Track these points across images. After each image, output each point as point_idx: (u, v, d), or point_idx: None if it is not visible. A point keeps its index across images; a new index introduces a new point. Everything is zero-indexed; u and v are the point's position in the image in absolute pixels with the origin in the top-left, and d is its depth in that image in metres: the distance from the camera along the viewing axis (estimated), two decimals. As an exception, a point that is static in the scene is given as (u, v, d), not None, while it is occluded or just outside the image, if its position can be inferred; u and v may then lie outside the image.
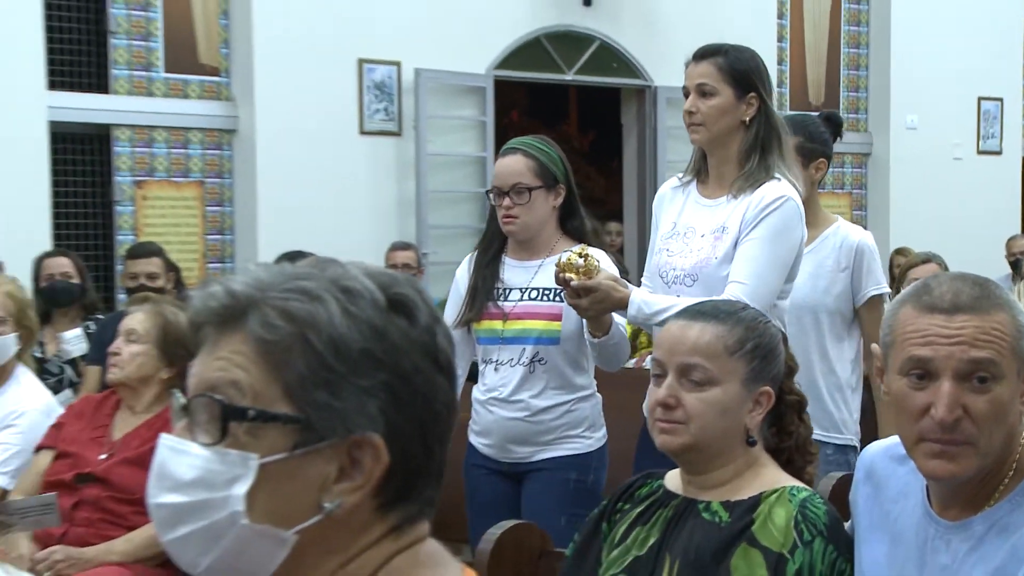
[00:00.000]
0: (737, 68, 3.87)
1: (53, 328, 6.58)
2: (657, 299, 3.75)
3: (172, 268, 7.27)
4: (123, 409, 4.51)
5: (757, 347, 2.62)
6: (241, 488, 1.31)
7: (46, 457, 4.48)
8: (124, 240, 8.90)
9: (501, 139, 10.81)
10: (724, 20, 11.29)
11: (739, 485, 2.61)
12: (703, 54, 3.94)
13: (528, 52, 10.97)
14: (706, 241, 3.85)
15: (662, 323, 3.66)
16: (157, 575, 4.21)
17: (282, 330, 1.31)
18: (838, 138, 4.72)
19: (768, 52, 12.10)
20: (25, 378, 4.91)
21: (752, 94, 3.86)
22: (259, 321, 1.32)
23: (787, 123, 4.42)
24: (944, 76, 12.79)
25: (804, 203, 4.27)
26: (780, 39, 12.41)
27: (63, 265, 6.83)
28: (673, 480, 2.71)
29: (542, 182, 4.11)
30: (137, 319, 4.49)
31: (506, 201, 4.13)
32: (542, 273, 4.15)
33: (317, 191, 9.44)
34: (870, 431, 4.36)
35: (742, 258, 3.75)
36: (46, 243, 7.83)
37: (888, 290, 4.53)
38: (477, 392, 4.32)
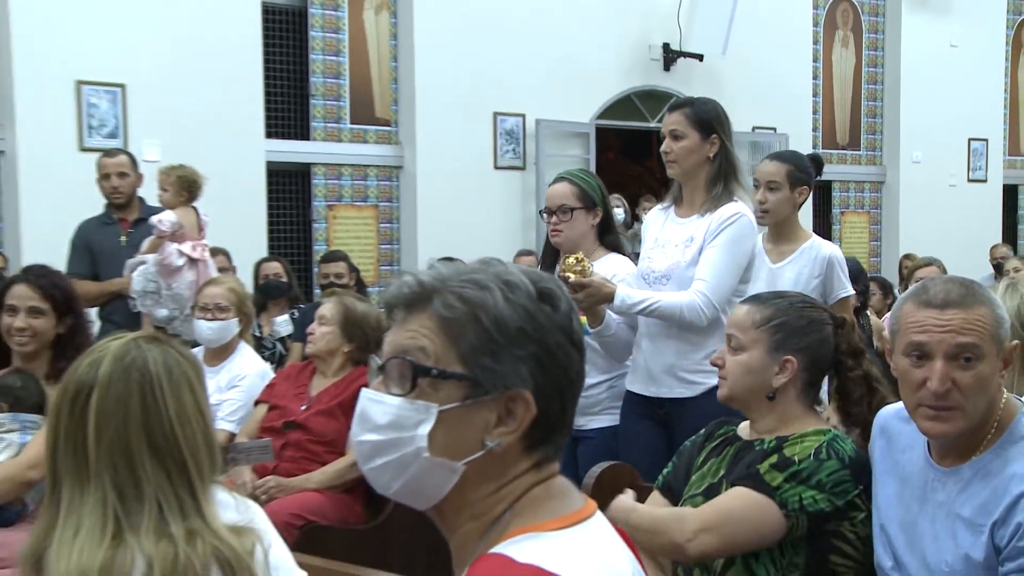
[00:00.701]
0: (701, 116, 3.85)
1: (268, 315, 6.69)
2: (637, 293, 3.74)
3: (354, 270, 7.35)
4: (318, 373, 4.57)
5: (782, 324, 2.58)
6: (424, 429, 1.34)
7: (262, 409, 4.55)
8: (319, 249, 9.03)
9: (600, 173, 10.79)
10: (771, 78, 11.19)
11: (790, 430, 2.57)
12: (674, 106, 3.93)
13: (621, 106, 10.94)
14: (678, 249, 3.83)
15: (640, 312, 3.72)
16: (342, 499, 4.26)
17: (458, 310, 1.34)
18: (819, 174, 4.63)
19: (805, 102, 11.99)
20: (246, 351, 4.99)
21: (714, 135, 3.83)
22: (441, 303, 1.34)
23: (782, 155, 4.55)
24: (942, 121, 12.61)
25: (785, 221, 4.39)
26: (815, 94, 12.24)
27: (275, 268, 6.94)
28: (743, 428, 2.69)
29: (582, 204, 4.01)
30: (327, 307, 4.55)
31: (553, 219, 4.02)
32: None
33: (463, 212, 9.50)
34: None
35: (705, 261, 3.74)
36: (263, 251, 7.97)
37: (852, 292, 4.44)
38: None
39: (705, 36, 10.86)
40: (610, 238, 4.11)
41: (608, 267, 3.94)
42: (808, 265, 4.32)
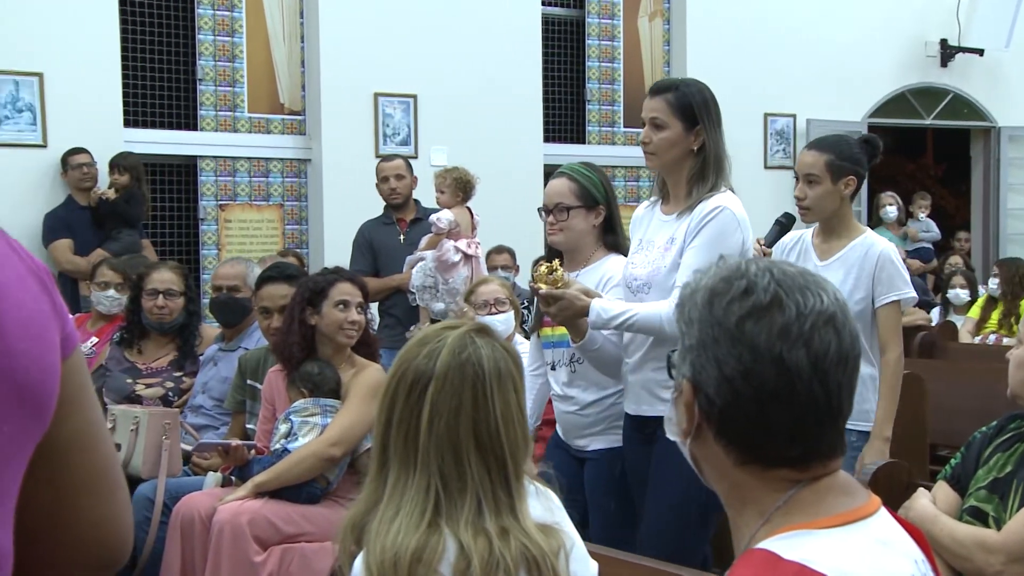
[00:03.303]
0: (685, 103, 3.29)
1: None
2: (613, 306, 3.23)
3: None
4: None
5: None
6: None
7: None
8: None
9: (872, 171, 10.37)
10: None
11: None
12: (656, 90, 3.37)
13: (895, 103, 10.53)
14: (659, 252, 3.33)
15: (618, 326, 3.21)
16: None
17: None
18: (874, 158, 3.89)
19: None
20: (523, 343, 5.09)
21: (699, 126, 3.29)
22: None
23: (822, 142, 3.85)
24: None
25: (833, 215, 3.77)
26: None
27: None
28: None
29: (582, 203, 3.53)
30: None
31: (550, 218, 3.58)
32: (580, 282, 3.51)
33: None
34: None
35: (684, 264, 3.22)
36: (541, 250, 8.11)
37: (910, 295, 3.72)
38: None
39: (987, 30, 10.32)
40: (612, 239, 3.62)
41: (606, 270, 3.53)
42: (857, 263, 3.72)
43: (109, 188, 7.01)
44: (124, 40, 7.48)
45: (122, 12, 7.46)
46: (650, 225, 3.43)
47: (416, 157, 7.90)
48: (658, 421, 3.22)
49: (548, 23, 9.15)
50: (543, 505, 2.02)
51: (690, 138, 3.29)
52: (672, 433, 1.40)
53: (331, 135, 8.05)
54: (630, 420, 3.39)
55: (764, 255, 3.68)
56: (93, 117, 7.15)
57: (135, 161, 7.12)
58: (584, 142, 9.39)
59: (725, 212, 3.23)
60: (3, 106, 6.96)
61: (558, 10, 9.32)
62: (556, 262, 3.33)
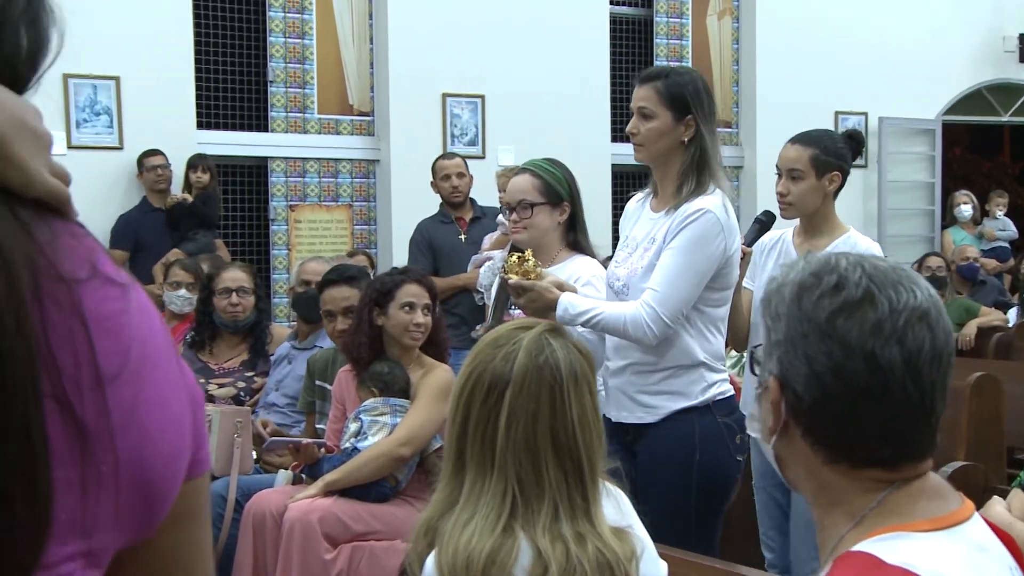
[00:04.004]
0: (675, 92, 3.10)
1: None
2: (581, 302, 3.08)
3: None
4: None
5: None
6: None
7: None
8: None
9: (947, 170, 10.21)
10: None
11: None
12: (645, 78, 3.19)
13: (970, 100, 10.31)
14: (639, 252, 3.16)
15: (584, 324, 3.06)
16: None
17: None
18: (858, 155, 3.75)
19: None
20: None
21: (689, 116, 3.10)
22: None
23: (805, 137, 3.67)
24: None
25: (815, 213, 3.57)
26: None
27: None
28: None
29: (545, 199, 3.40)
30: None
31: (513, 215, 3.45)
32: None
33: (802, 210, 9.26)
34: None
35: (659, 267, 3.05)
36: (608, 249, 8.06)
37: None
38: None
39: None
40: (574, 237, 3.47)
41: (573, 271, 3.37)
42: None
43: (188, 189, 7.10)
44: (197, 43, 7.58)
45: (195, 16, 7.57)
46: (638, 222, 3.27)
47: (484, 157, 7.91)
48: (640, 428, 3.14)
49: (616, 22, 9.11)
50: (614, 506, 2.00)
51: (680, 128, 3.11)
52: (754, 430, 1.38)
53: (399, 136, 8.09)
54: (610, 427, 3.11)
55: (743, 255, 3.52)
56: (167, 120, 7.26)
57: (212, 162, 7.22)
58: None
59: (708, 215, 3.04)
60: (81, 109, 7.10)
61: (626, 9, 9.28)
62: (529, 252, 3.19)
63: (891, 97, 9.70)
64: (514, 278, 3.11)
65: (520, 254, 3.17)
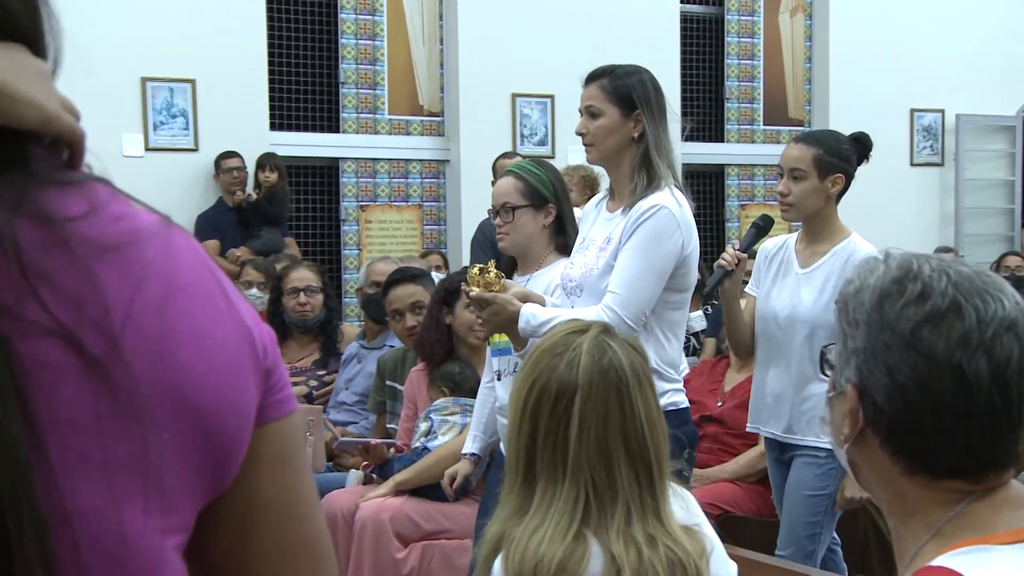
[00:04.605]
0: (620, 89, 3.05)
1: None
2: (543, 312, 2.94)
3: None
4: (731, 368, 4.55)
5: None
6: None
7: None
8: (732, 247, 8.96)
9: (1027, 167, 9.94)
10: None
11: None
12: (590, 77, 3.16)
13: (1051, 96, 10.06)
14: (593, 253, 3.07)
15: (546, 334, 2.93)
16: (757, 490, 4.22)
17: None
18: (864, 158, 3.58)
19: None
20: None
21: (637, 112, 3.04)
22: None
23: (810, 136, 3.57)
24: None
25: (816, 216, 3.48)
26: None
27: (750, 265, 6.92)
28: None
29: (529, 202, 3.28)
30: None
31: (497, 220, 3.34)
32: (531, 287, 3.23)
33: (876, 208, 9.09)
34: None
35: (617, 268, 2.95)
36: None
37: None
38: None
39: None
40: (563, 240, 3.33)
41: (557, 275, 3.23)
42: (838, 271, 3.40)
43: (256, 188, 7.19)
44: (270, 46, 7.66)
45: (268, 19, 7.65)
46: (595, 223, 3.17)
47: (553, 157, 7.88)
48: None
49: (686, 20, 9.03)
50: (682, 506, 1.98)
51: (629, 124, 3.05)
52: (826, 434, 1.34)
53: (469, 136, 8.10)
54: None
55: (739, 261, 3.46)
56: (241, 121, 7.34)
57: (280, 161, 7.30)
58: (723, 140, 9.25)
59: (662, 211, 2.94)
60: (158, 112, 7.21)
61: (697, 7, 9.20)
62: (491, 263, 3.09)
63: (969, 93, 9.48)
64: (475, 291, 3.02)
65: (482, 265, 3.08)
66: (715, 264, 3.55)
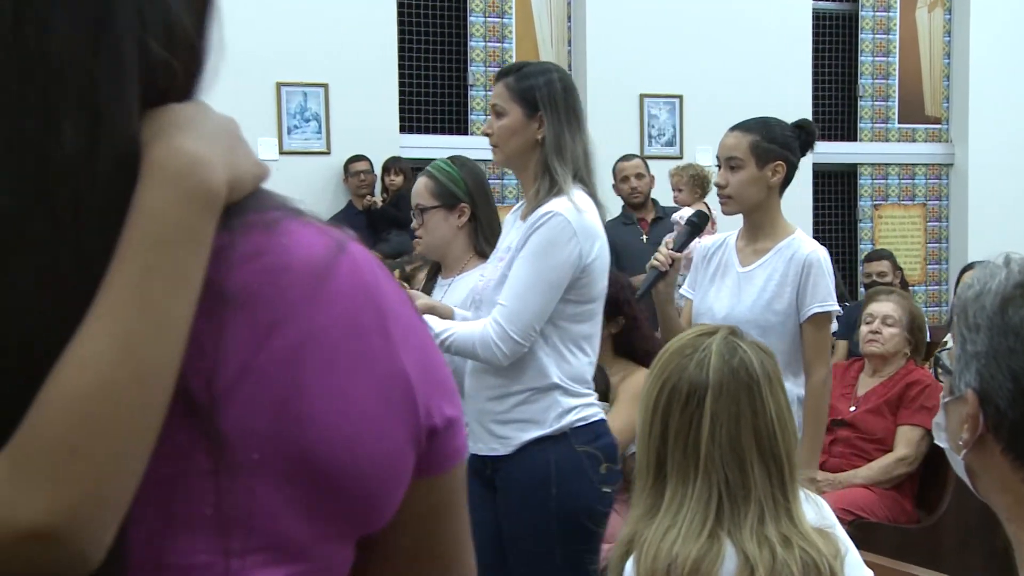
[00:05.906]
0: (524, 88, 2.80)
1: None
2: (437, 324, 2.72)
3: (898, 269, 7.11)
4: (864, 372, 4.45)
5: None
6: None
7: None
8: (864, 248, 8.74)
9: None
10: None
11: None
12: (499, 75, 2.93)
13: None
14: (492, 263, 2.88)
15: (440, 348, 2.52)
16: (891, 496, 4.14)
17: None
18: (808, 146, 3.34)
19: None
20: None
21: (540, 112, 2.79)
22: None
23: (747, 123, 3.33)
24: None
25: (756, 208, 3.21)
26: None
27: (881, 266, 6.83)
28: None
29: (440, 202, 3.09)
30: (890, 308, 4.41)
31: (415, 222, 3.19)
32: (451, 292, 3.09)
33: (1017, 208, 8.78)
34: None
35: (508, 279, 2.72)
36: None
37: (833, 308, 3.13)
38: None
39: None
40: (482, 245, 3.11)
41: (472, 281, 3.01)
42: (780, 268, 3.15)
43: (383, 191, 7.31)
44: (400, 50, 7.77)
45: (399, 23, 7.76)
46: (510, 231, 2.91)
47: (681, 158, 7.81)
48: (497, 461, 2.77)
49: (819, 17, 8.86)
50: (814, 510, 1.96)
51: (532, 125, 2.81)
52: (942, 440, 1.32)
53: (596, 136, 8.05)
54: (471, 462, 2.68)
55: (673, 260, 3.23)
56: (372, 124, 7.47)
57: (407, 164, 7.40)
58: (856, 139, 9.04)
59: (556, 218, 2.69)
60: (292, 116, 7.38)
61: (830, 4, 9.01)
62: (396, 272, 2.90)
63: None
64: None
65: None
66: (647, 265, 3.34)
